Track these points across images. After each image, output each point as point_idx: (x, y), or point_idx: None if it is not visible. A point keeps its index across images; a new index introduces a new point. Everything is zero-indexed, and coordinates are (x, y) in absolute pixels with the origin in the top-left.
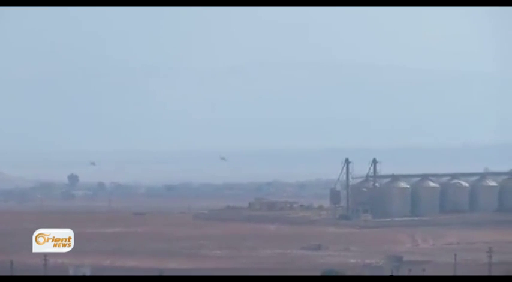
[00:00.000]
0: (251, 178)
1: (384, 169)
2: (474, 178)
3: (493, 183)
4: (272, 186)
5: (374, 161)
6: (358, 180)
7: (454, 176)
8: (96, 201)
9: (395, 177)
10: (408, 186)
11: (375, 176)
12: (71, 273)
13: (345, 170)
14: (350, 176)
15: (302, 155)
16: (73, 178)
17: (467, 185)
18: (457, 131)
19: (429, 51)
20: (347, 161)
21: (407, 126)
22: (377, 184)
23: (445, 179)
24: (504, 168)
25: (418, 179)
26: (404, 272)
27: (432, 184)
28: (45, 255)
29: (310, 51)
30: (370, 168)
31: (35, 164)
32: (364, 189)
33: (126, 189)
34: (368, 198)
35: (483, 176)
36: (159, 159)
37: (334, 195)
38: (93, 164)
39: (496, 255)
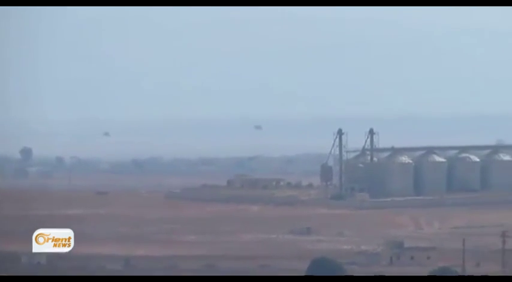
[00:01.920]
0: (231, 152)
1: (382, 141)
2: (486, 152)
3: (507, 158)
4: (255, 162)
5: (371, 132)
6: (353, 155)
7: (463, 149)
8: (54, 178)
9: (395, 151)
10: (410, 161)
11: (372, 149)
12: (24, 261)
13: (337, 143)
14: (344, 150)
15: (289, 126)
16: (26, 152)
17: (478, 159)
18: (466, 97)
19: (438, 7)
20: (340, 132)
21: (409, 92)
22: (375, 159)
23: (452, 152)
24: None
25: (422, 152)
26: (405, 260)
27: (438, 159)
28: None
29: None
30: (366, 141)
31: None
32: (360, 165)
33: (87, 165)
34: (364, 175)
35: (496, 149)
36: (124, 130)
37: (326, 172)
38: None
39: (511, 240)
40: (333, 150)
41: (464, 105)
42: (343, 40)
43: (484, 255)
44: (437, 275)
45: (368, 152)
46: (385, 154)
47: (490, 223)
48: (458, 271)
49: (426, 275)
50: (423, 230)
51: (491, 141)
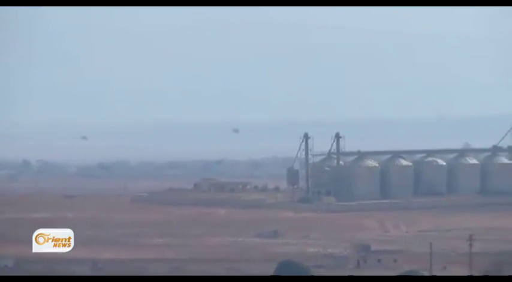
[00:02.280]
0: (197, 155)
1: (348, 145)
2: (452, 155)
3: (473, 161)
4: (221, 165)
5: (337, 136)
6: (320, 158)
7: (430, 153)
8: (20, 181)
9: (361, 155)
10: (377, 164)
11: (339, 153)
12: None
13: (304, 147)
14: (310, 153)
15: (256, 130)
16: None
17: (444, 163)
18: (433, 102)
19: (404, 12)
20: (306, 136)
21: (375, 96)
22: (341, 162)
23: (419, 156)
24: (486, 143)
25: (388, 156)
26: (372, 263)
27: (404, 162)
28: None
29: (265, 11)
30: (332, 144)
31: None
32: (327, 168)
33: (54, 168)
34: (331, 179)
35: (462, 152)
36: (92, 134)
37: (292, 175)
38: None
39: (477, 243)
40: (299, 154)
41: (430, 109)
42: (310, 46)
43: (451, 258)
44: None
45: (334, 156)
46: (352, 158)
47: (457, 226)
48: (425, 274)
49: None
50: (390, 233)
51: (457, 144)
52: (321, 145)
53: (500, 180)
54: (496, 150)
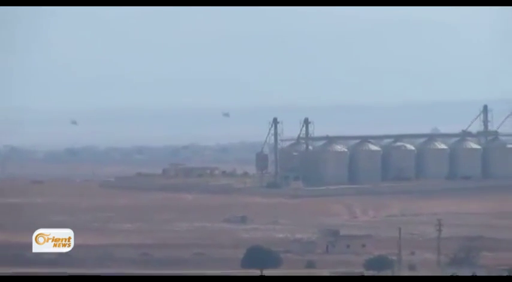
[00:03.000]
0: (165, 141)
1: (317, 130)
2: (421, 140)
3: (442, 146)
4: (189, 150)
5: (306, 121)
6: (288, 143)
7: (398, 137)
8: None
9: (330, 140)
10: (345, 149)
11: (307, 138)
12: None
13: (272, 131)
14: (279, 138)
15: (222, 114)
16: None
17: (413, 148)
18: (401, 86)
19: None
20: (275, 121)
21: (344, 81)
22: (310, 147)
23: (387, 141)
24: (455, 128)
25: (357, 141)
26: (341, 248)
27: (373, 147)
28: None
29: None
30: (301, 129)
31: None
32: (295, 153)
33: (22, 154)
34: (299, 164)
35: (431, 137)
36: (59, 119)
37: (261, 160)
38: None
39: (446, 228)
40: (268, 139)
41: (399, 94)
42: (279, 30)
43: (420, 243)
44: (373, 263)
45: (303, 141)
46: (320, 143)
47: (425, 211)
48: (394, 259)
49: (363, 262)
50: (358, 219)
51: (426, 129)
52: (290, 130)
53: (469, 165)
54: (464, 135)
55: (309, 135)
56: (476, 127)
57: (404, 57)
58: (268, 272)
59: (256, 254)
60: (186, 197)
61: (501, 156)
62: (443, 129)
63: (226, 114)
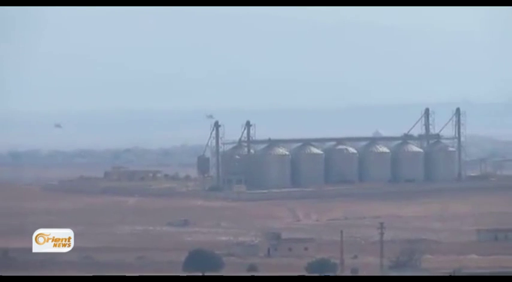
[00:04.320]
0: (107, 144)
1: (259, 133)
2: (363, 143)
3: (384, 149)
4: (131, 154)
5: (248, 124)
6: (230, 146)
7: (340, 141)
8: None
9: (272, 143)
10: (287, 153)
11: (249, 141)
12: None
13: (214, 135)
14: (220, 142)
15: (165, 118)
16: None
17: (355, 151)
18: (342, 89)
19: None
20: (217, 124)
21: (286, 84)
22: (252, 150)
23: (329, 144)
24: (397, 131)
25: (299, 144)
26: (283, 251)
27: (315, 150)
28: None
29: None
30: (243, 133)
31: None
32: (237, 157)
33: None
34: (241, 167)
35: (373, 140)
36: (1, 123)
37: (203, 164)
38: None
39: (388, 231)
40: (209, 142)
41: (341, 97)
42: (218, 32)
43: (362, 246)
44: (316, 266)
45: (245, 144)
46: (262, 146)
47: (368, 214)
48: (336, 262)
49: (305, 266)
50: (301, 222)
51: (368, 133)
52: (232, 133)
53: (411, 168)
54: (406, 138)
55: (250, 139)
56: (418, 130)
57: (346, 60)
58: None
59: (198, 257)
60: (128, 201)
61: (443, 159)
62: (385, 133)
63: (210, 116)
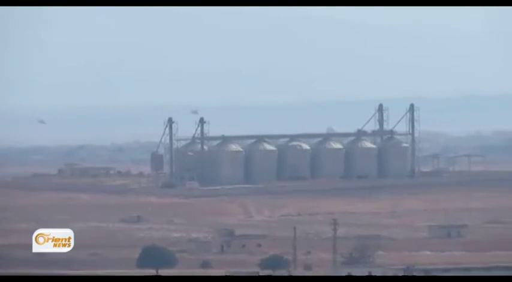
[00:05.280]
0: (60, 141)
1: (212, 130)
2: (316, 140)
3: (337, 146)
4: (84, 150)
5: (201, 121)
6: (184, 143)
7: (293, 137)
8: None
9: (225, 139)
10: (241, 149)
11: (203, 137)
12: None
13: (168, 131)
14: (174, 138)
15: (118, 114)
16: None
17: (308, 147)
18: (295, 85)
19: None
20: (170, 121)
21: (239, 80)
22: (205, 147)
23: (282, 140)
24: (350, 128)
25: (252, 141)
26: (236, 248)
27: (268, 147)
28: None
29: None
30: (196, 129)
31: None
32: (190, 153)
33: None
34: (195, 164)
35: (326, 137)
36: None
37: (156, 160)
38: None
39: (341, 228)
40: (163, 139)
41: (294, 93)
42: (179, 29)
43: (315, 242)
44: (269, 262)
45: (198, 141)
46: (216, 142)
47: (321, 211)
48: (289, 259)
49: (258, 262)
50: (254, 218)
51: (322, 129)
52: (185, 130)
53: (364, 164)
54: (360, 134)
55: (204, 135)
56: (371, 126)
57: (299, 57)
58: (163, 272)
59: (151, 253)
60: (81, 197)
61: (396, 155)
62: (338, 129)
63: (195, 112)
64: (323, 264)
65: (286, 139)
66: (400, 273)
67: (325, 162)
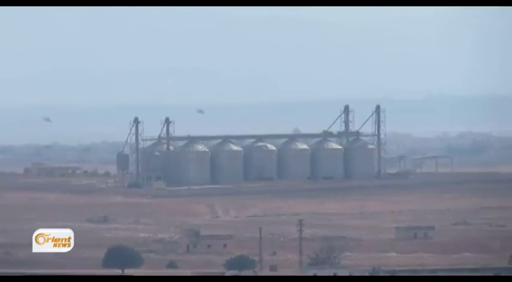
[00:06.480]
0: (26, 140)
1: (178, 130)
2: (282, 140)
3: (303, 146)
4: (51, 150)
5: (167, 121)
6: (150, 143)
7: (260, 138)
8: None
9: (191, 140)
10: (207, 149)
11: (169, 137)
12: None
13: (134, 131)
14: (140, 138)
15: (84, 114)
16: None
17: (274, 148)
18: (261, 85)
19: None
20: (136, 121)
21: (204, 80)
22: (171, 147)
23: (249, 141)
24: (316, 128)
25: (218, 141)
26: (202, 248)
27: (234, 147)
28: None
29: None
30: (162, 129)
31: None
32: (157, 153)
33: None
34: (161, 164)
35: (292, 137)
36: None
37: (122, 160)
38: None
39: (307, 229)
40: (129, 139)
41: (260, 94)
42: (143, 29)
43: (281, 243)
44: (235, 263)
45: (164, 141)
46: (182, 143)
47: (287, 211)
48: (255, 259)
49: (224, 262)
50: (220, 218)
51: (288, 130)
52: (151, 130)
53: (330, 165)
54: (326, 135)
55: (170, 135)
56: (337, 127)
57: (265, 56)
58: (129, 272)
59: (117, 253)
60: (48, 197)
61: (362, 156)
62: (304, 130)
63: (201, 111)
64: (289, 264)
65: (252, 140)
66: (366, 274)
67: (291, 163)
